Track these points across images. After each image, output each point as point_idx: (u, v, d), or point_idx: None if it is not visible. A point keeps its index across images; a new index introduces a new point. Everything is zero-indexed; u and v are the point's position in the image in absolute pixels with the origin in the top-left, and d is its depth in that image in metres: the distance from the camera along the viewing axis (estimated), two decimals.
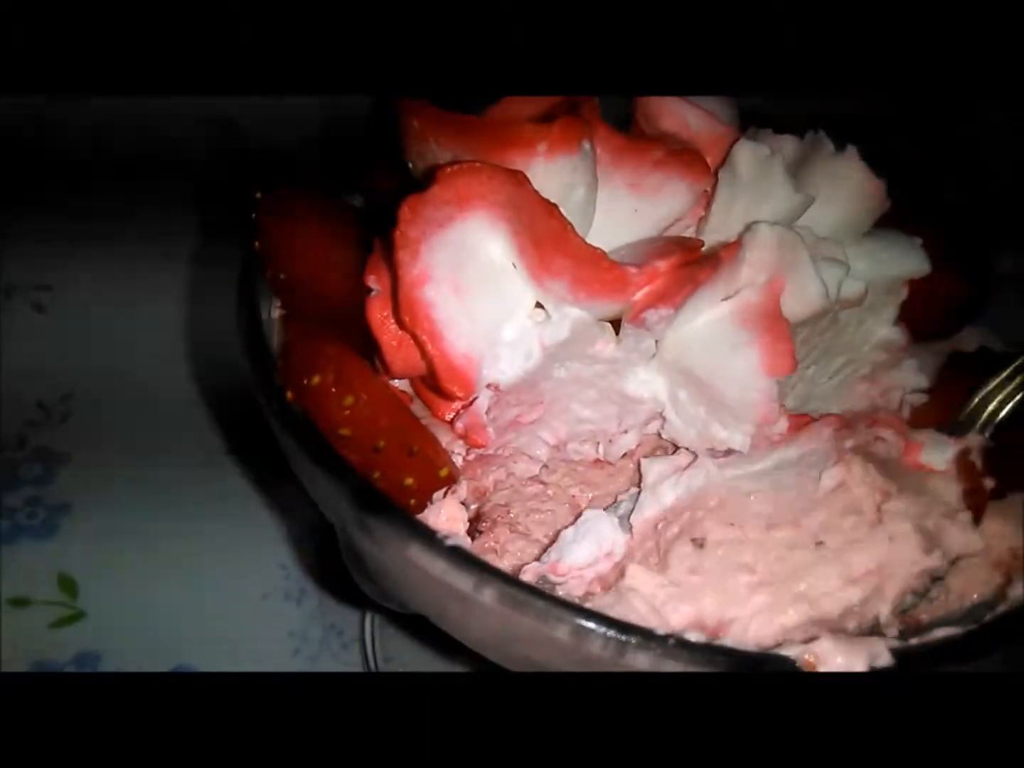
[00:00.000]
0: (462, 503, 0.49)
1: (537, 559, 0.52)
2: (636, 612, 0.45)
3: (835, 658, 0.40)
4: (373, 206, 0.62)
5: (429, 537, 0.42)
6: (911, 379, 0.63)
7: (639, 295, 0.49)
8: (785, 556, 0.49)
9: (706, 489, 0.51)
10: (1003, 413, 0.58)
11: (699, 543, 0.49)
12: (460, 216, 0.46)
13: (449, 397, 0.50)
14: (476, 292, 0.48)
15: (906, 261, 0.59)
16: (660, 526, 0.51)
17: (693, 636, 0.41)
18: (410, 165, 0.53)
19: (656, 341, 0.52)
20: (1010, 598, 0.45)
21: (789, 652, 0.40)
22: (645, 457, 0.58)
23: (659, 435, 0.57)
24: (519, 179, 0.46)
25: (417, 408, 0.53)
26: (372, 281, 0.50)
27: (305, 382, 0.47)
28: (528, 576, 0.48)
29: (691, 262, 0.50)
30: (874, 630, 0.48)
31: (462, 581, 0.41)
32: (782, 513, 0.50)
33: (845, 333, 0.61)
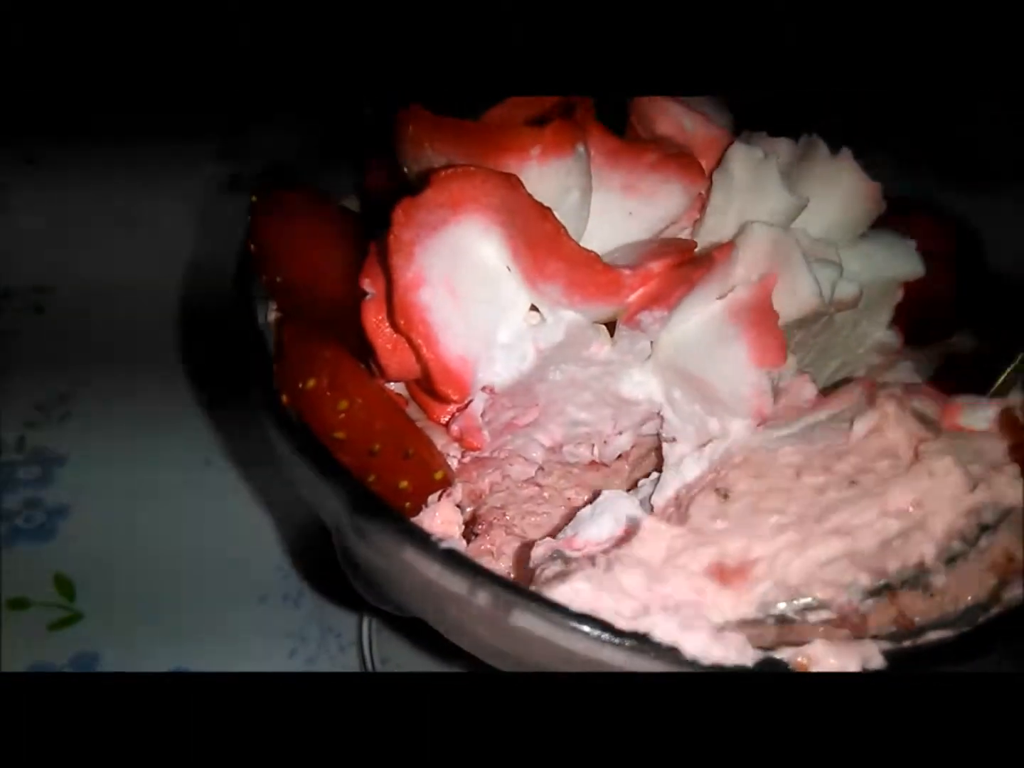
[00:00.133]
0: (457, 506, 0.50)
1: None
2: (630, 576, 0.43)
3: (828, 659, 0.40)
4: (369, 209, 0.62)
5: (424, 540, 0.43)
6: (906, 381, 0.63)
7: (633, 297, 0.49)
8: (816, 498, 0.46)
9: (732, 451, 0.50)
10: None
11: (723, 493, 0.47)
12: (454, 220, 0.46)
13: (444, 400, 0.50)
14: (471, 295, 0.48)
15: (901, 263, 0.59)
16: (682, 493, 0.50)
17: (712, 585, 0.40)
18: (405, 169, 0.53)
19: (651, 342, 0.53)
20: (1003, 600, 0.45)
21: (782, 655, 0.40)
22: (640, 458, 0.58)
23: (658, 435, 0.57)
24: (512, 182, 0.46)
25: (412, 411, 0.53)
26: (367, 284, 0.50)
27: (300, 386, 0.47)
28: (542, 550, 0.47)
29: (685, 263, 0.50)
30: (919, 577, 0.45)
31: (456, 584, 0.41)
32: (812, 462, 0.48)
33: (840, 335, 0.61)
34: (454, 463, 0.53)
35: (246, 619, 0.74)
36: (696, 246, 0.53)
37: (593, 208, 0.52)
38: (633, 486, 0.55)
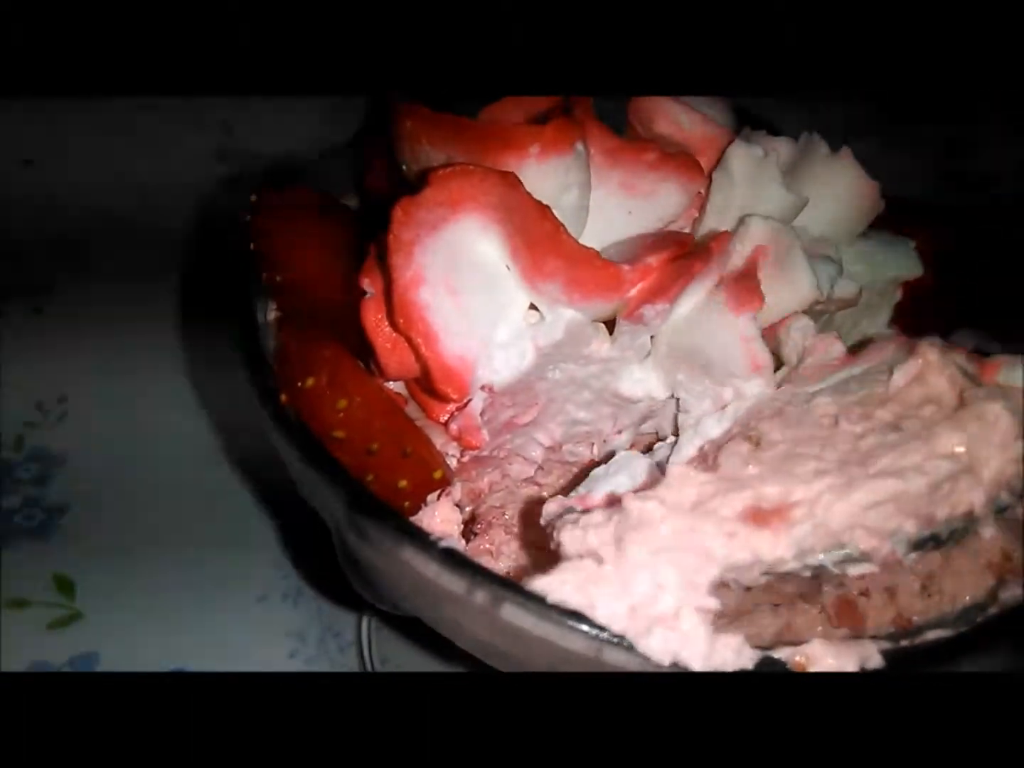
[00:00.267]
0: (456, 505, 0.49)
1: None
2: (631, 518, 0.40)
3: (826, 659, 0.40)
4: (369, 207, 0.62)
5: (422, 539, 0.42)
6: None
7: (633, 292, 0.50)
8: (856, 444, 0.43)
9: (760, 407, 0.48)
10: None
11: (755, 441, 0.45)
12: (453, 218, 0.46)
13: (443, 399, 0.50)
14: (470, 294, 0.48)
15: (900, 263, 0.60)
16: (706, 448, 0.47)
17: (745, 530, 0.38)
18: (404, 166, 0.53)
19: (651, 337, 0.53)
20: (1001, 600, 0.45)
21: (779, 654, 0.40)
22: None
23: (656, 434, 0.57)
24: (511, 181, 0.46)
25: (412, 410, 0.53)
26: (366, 283, 0.50)
27: (299, 384, 0.47)
28: (554, 507, 0.45)
29: (683, 255, 0.50)
30: (967, 528, 0.43)
31: (455, 583, 0.41)
32: (850, 411, 0.45)
33: (840, 335, 0.61)
34: (453, 462, 0.53)
35: (245, 619, 0.74)
36: (692, 238, 0.53)
37: (592, 207, 0.52)
38: None
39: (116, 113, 1.10)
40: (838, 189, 0.58)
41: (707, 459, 0.46)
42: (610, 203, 0.53)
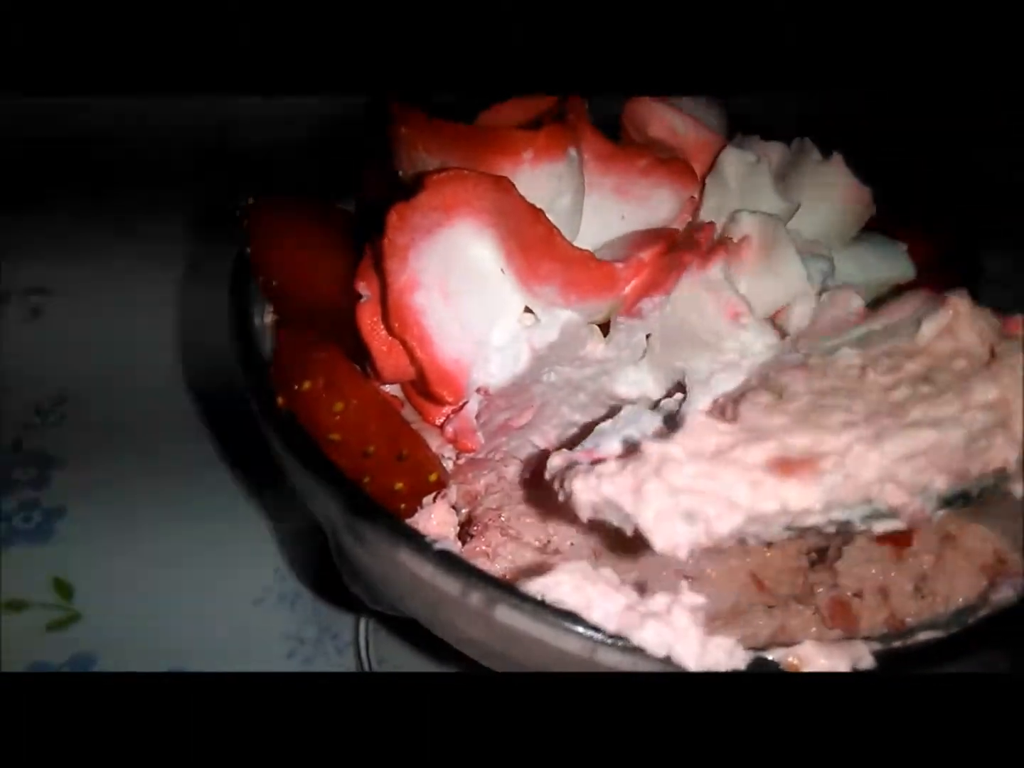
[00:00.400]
0: (452, 507, 0.50)
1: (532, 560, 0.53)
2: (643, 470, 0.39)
3: (818, 660, 0.40)
4: (364, 211, 0.62)
5: (418, 541, 0.43)
6: None
7: (628, 288, 0.50)
8: (885, 396, 0.42)
9: (779, 358, 0.47)
10: None
11: (777, 392, 0.43)
12: (447, 223, 0.47)
13: (439, 402, 0.50)
14: (465, 297, 0.49)
15: (892, 266, 0.60)
16: (723, 400, 0.46)
17: (771, 479, 0.37)
18: (399, 171, 0.54)
19: (648, 335, 0.53)
20: (992, 602, 0.46)
21: (772, 655, 0.40)
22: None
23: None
24: (505, 185, 0.47)
25: (408, 413, 0.54)
26: (362, 287, 0.50)
27: (296, 387, 0.48)
28: (559, 460, 0.45)
29: (672, 248, 0.51)
30: (998, 485, 0.41)
31: (450, 585, 0.42)
32: (878, 363, 0.44)
33: None
34: (449, 464, 0.54)
35: (243, 620, 0.74)
36: (677, 232, 0.53)
37: (585, 211, 0.52)
38: None
39: (116, 113, 1.10)
40: (830, 194, 0.58)
41: (724, 411, 0.44)
42: (604, 207, 0.53)
